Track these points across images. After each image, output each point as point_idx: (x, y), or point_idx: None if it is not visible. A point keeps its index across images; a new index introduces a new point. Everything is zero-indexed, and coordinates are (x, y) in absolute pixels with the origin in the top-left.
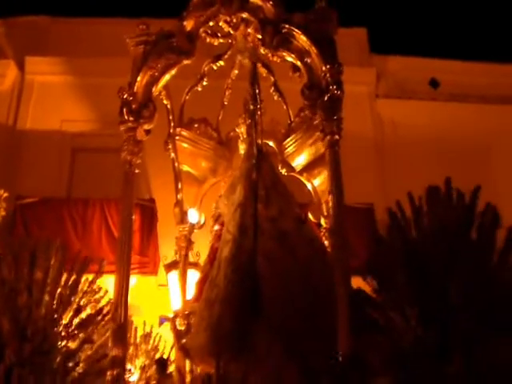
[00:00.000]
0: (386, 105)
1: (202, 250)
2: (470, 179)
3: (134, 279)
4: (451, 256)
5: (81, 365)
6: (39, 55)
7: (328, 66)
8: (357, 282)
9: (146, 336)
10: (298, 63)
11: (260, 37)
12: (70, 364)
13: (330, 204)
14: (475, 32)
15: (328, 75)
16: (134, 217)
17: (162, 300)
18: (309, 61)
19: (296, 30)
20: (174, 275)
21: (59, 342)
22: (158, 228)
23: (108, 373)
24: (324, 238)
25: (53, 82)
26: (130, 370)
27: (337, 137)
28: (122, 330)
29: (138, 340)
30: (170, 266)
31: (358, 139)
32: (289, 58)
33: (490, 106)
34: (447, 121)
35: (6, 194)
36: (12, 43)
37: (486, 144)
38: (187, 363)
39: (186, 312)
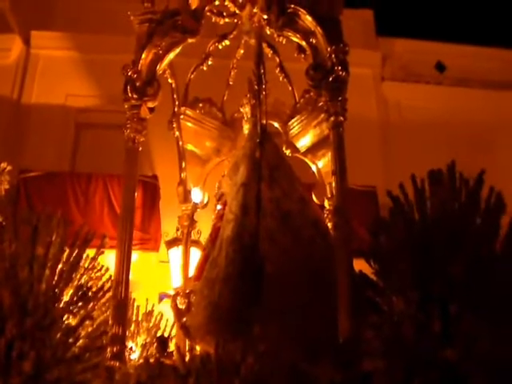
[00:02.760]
0: (391, 88)
1: (204, 229)
2: (474, 164)
3: (135, 255)
4: (454, 241)
5: (81, 341)
6: (45, 30)
7: (333, 47)
8: (358, 264)
9: (148, 314)
10: (304, 44)
11: (266, 17)
12: (71, 340)
13: (334, 185)
14: (482, 16)
15: (333, 56)
16: (136, 194)
17: (162, 276)
18: (314, 41)
19: (301, 10)
20: (175, 252)
21: (60, 318)
22: (160, 205)
23: (108, 349)
24: (327, 220)
25: (58, 57)
26: (131, 348)
27: (341, 118)
28: (122, 307)
29: (140, 318)
30: (171, 243)
31: (363, 122)
32: (294, 39)
33: (495, 91)
34: (452, 105)
35: (9, 168)
36: (18, 18)
37: (491, 129)
38: (187, 342)
39: (187, 291)
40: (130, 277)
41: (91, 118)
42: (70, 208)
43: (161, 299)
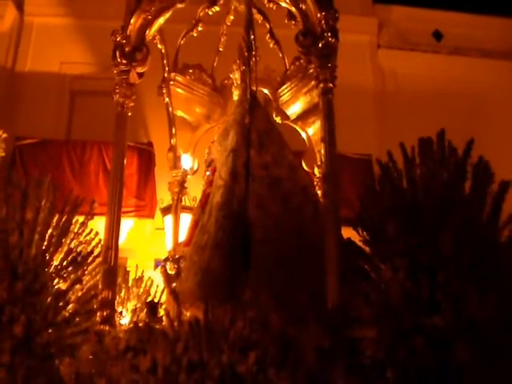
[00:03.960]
0: (387, 55)
1: (199, 196)
2: (469, 133)
3: (130, 222)
4: (442, 209)
5: (71, 305)
6: None
7: (323, 13)
8: (349, 233)
9: (138, 279)
10: (294, 9)
11: None
12: (61, 304)
13: (323, 152)
14: None
15: (323, 22)
16: (125, 160)
17: (158, 243)
18: (304, 7)
19: None
20: (171, 219)
21: (50, 282)
22: (155, 172)
23: (98, 313)
24: (317, 188)
25: (52, 24)
26: (121, 312)
27: (330, 85)
28: (112, 272)
29: (130, 283)
30: (167, 210)
31: (358, 89)
32: (284, 4)
33: (491, 60)
34: (449, 74)
35: (5, 135)
36: None
37: (488, 98)
38: (177, 307)
39: (177, 256)
40: (126, 244)
41: (86, 85)
42: (66, 175)
43: (157, 266)
